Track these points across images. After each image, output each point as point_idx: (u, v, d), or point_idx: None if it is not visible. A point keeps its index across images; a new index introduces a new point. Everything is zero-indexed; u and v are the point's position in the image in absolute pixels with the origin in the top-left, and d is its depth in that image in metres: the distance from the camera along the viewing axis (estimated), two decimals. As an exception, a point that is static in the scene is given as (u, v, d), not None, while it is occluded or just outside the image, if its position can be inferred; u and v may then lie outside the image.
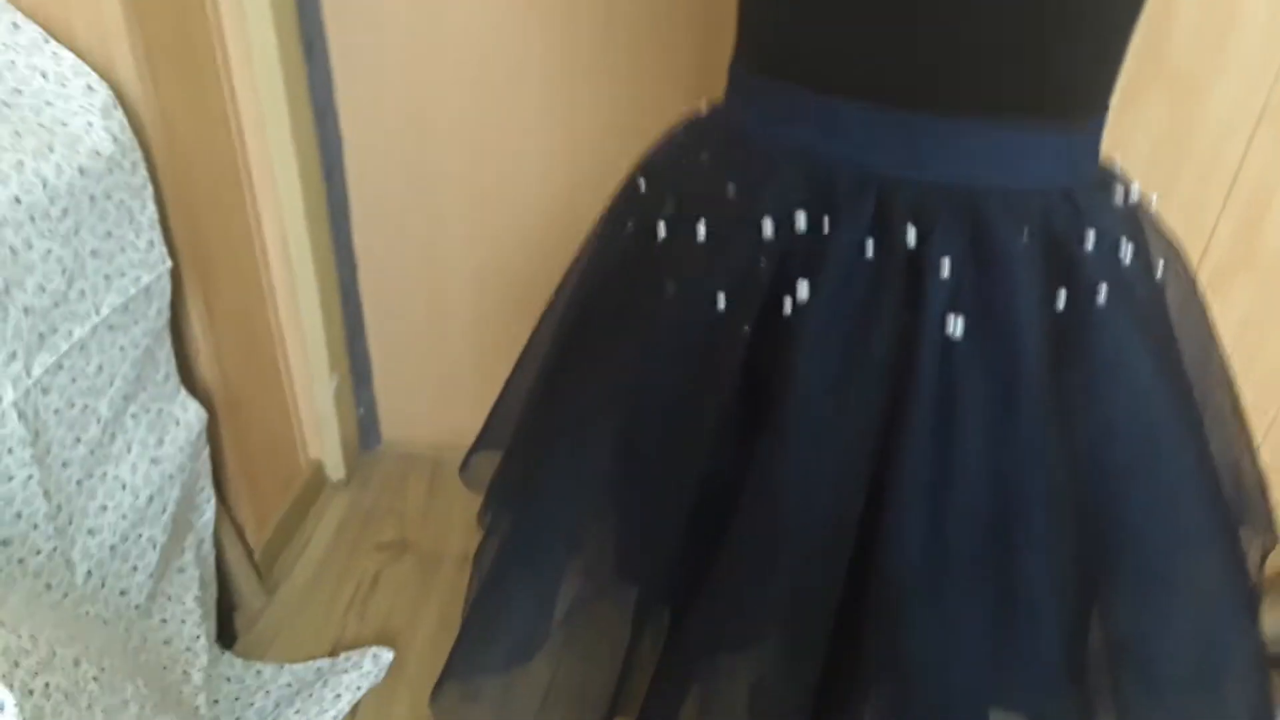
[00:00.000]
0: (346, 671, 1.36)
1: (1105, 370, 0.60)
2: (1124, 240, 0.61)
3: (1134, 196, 0.65)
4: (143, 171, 1.09)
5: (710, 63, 1.38)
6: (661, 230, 0.66)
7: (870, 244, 0.57)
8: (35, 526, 0.95)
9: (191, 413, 1.22)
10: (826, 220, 0.58)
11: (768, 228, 0.59)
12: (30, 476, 0.93)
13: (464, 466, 0.98)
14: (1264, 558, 0.78)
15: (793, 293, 0.58)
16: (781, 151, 0.60)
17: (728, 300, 0.61)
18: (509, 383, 0.91)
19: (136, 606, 1.12)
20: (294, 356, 1.60)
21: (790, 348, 0.58)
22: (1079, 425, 0.60)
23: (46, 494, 0.96)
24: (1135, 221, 0.65)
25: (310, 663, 1.38)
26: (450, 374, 1.75)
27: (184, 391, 1.22)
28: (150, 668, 1.11)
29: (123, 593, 1.10)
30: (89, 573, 1.03)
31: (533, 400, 0.84)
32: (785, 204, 0.59)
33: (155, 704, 0.96)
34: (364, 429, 1.83)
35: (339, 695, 1.32)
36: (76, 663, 0.80)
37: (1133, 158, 0.89)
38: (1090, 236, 0.60)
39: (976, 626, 0.61)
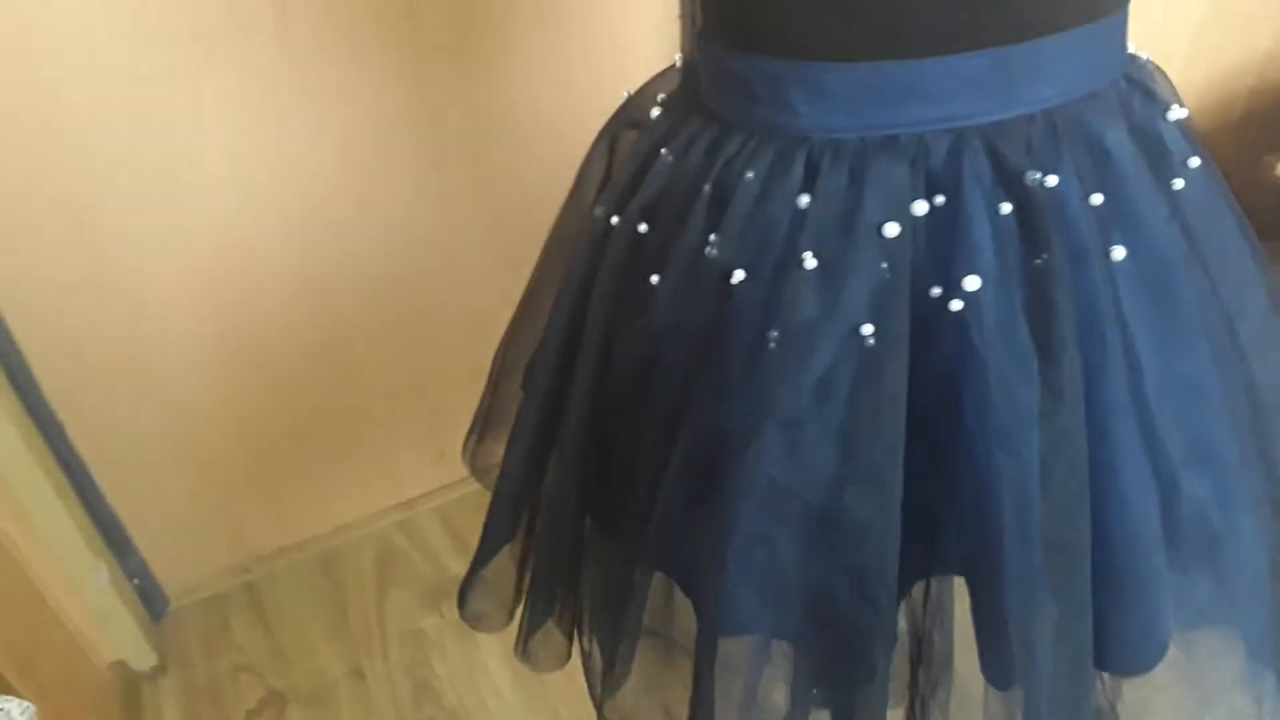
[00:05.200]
0: None
1: (1214, 241, 0.59)
2: (1175, 106, 0.58)
3: (1140, 53, 0.62)
4: None
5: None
6: (739, 275, 0.55)
7: (1006, 205, 0.52)
8: None
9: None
10: (940, 198, 0.53)
11: (891, 229, 0.52)
12: None
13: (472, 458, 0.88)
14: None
15: (945, 286, 0.52)
16: (852, 143, 0.53)
17: (878, 332, 0.53)
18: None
19: None
20: (46, 569, 1.26)
21: (964, 344, 0.52)
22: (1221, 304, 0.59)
23: None
24: (1163, 77, 0.61)
25: None
26: (202, 487, 1.48)
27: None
28: None
29: None
30: None
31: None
32: (893, 195, 0.52)
33: None
34: (146, 599, 1.51)
35: None
36: None
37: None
38: (1166, 115, 0.57)
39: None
